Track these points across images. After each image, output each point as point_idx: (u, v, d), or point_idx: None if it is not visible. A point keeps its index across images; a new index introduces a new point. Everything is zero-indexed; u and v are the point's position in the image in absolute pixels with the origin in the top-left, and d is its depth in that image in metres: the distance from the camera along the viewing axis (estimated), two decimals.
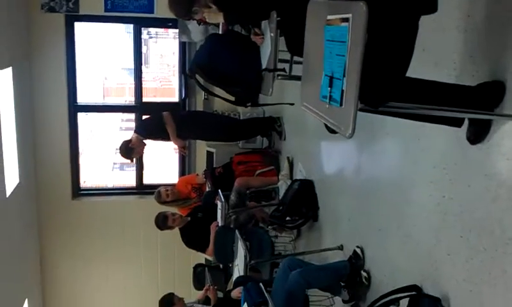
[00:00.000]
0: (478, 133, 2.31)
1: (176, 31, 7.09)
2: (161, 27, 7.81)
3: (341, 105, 1.96)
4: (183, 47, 7.28)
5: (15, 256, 6.17)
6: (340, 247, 3.93)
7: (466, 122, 2.36)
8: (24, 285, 6.74)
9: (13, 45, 6.06)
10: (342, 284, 3.53)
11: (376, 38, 1.84)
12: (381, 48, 1.92)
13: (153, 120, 5.84)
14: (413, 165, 2.93)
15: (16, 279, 6.18)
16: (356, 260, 3.54)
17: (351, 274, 3.51)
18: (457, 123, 2.35)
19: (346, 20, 1.93)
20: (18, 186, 6.20)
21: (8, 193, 5.80)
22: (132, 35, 7.32)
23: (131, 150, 5.73)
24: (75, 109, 7.25)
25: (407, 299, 2.73)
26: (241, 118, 6.58)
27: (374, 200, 3.46)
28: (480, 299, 2.34)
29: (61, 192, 7.26)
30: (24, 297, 6.67)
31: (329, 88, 2.04)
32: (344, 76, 1.94)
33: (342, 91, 1.95)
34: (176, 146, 5.85)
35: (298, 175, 5.03)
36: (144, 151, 5.90)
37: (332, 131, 2.09)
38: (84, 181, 7.93)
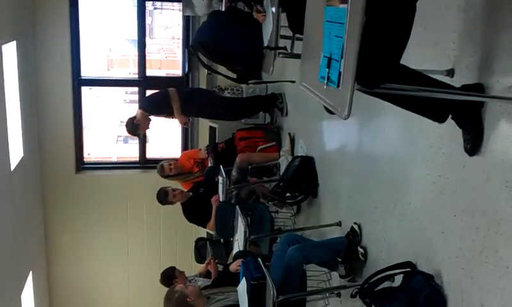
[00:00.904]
0: (474, 140, 2.34)
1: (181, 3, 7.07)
2: (165, 1, 7.78)
3: (338, 86, 1.99)
4: (187, 20, 7.26)
5: (20, 229, 6.25)
6: (339, 224, 3.99)
7: (457, 129, 2.40)
8: (29, 257, 6.84)
9: (16, 18, 6.07)
10: (339, 259, 3.58)
11: (373, 20, 1.87)
12: (379, 30, 1.94)
13: (158, 96, 5.87)
14: (411, 144, 2.97)
15: (20, 252, 6.28)
16: (354, 236, 3.60)
17: (348, 250, 3.57)
18: (440, 118, 2.38)
19: (345, 1, 1.95)
20: (23, 160, 6.26)
21: (13, 167, 5.86)
22: (136, 8, 7.31)
23: (137, 126, 5.77)
24: (78, 82, 7.28)
25: (401, 275, 2.80)
26: (244, 94, 6.59)
27: (372, 178, 3.50)
28: (472, 276, 2.40)
29: (64, 165, 7.34)
30: (29, 269, 6.78)
31: (327, 69, 2.07)
32: (341, 57, 1.96)
33: (340, 72, 1.98)
34: (179, 122, 5.87)
35: (299, 152, 5.07)
36: (149, 126, 5.94)
37: (330, 111, 2.13)
38: (89, 154, 7.99)
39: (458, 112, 2.33)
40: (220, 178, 5.05)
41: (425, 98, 2.21)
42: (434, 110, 2.37)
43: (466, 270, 2.45)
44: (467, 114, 2.32)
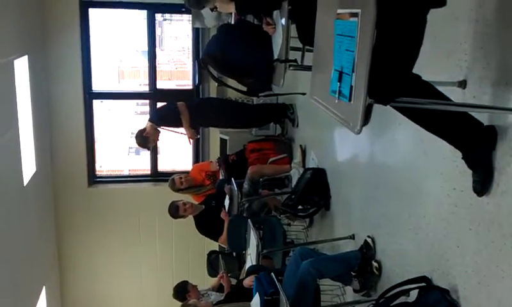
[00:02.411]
0: (483, 181, 2.32)
1: (190, 15, 7.09)
2: (175, 13, 7.81)
3: (350, 100, 1.97)
4: (196, 32, 7.28)
5: (33, 244, 6.27)
6: (352, 237, 3.95)
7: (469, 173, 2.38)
8: (42, 273, 6.85)
9: (27, 33, 6.12)
10: (353, 274, 3.54)
11: (384, 33, 1.85)
12: (390, 43, 1.92)
13: (167, 109, 5.88)
14: (424, 156, 2.93)
15: (34, 267, 6.29)
16: (367, 250, 3.56)
17: (361, 264, 3.52)
18: (464, 147, 2.33)
19: (355, 15, 1.93)
20: (35, 174, 6.28)
21: (26, 181, 5.89)
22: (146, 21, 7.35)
23: (147, 139, 5.79)
24: (90, 96, 7.31)
25: (416, 290, 2.76)
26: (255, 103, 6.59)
27: (385, 190, 3.46)
28: (488, 291, 2.35)
29: (77, 180, 7.36)
30: (42, 284, 6.79)
31: (338, 83, 2.05)
32: (352, 71, 1.94)
33: (351, 86, 1.96)
34: (186, 134, 5.86)
35: (311, 163, 5.04)
36: (159, 138, 5.95)
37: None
38: (101, 166, 8.02)
39: (469, 152, 2.30)
40: (227, 190, 5.07)
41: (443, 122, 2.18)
42: (449, 132, 2.33)
43: (482, 284, 2.40)
44: (478, 155, 2.28)
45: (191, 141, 6.14)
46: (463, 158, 2.34)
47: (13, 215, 5.42)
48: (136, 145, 6.04)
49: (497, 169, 2.29)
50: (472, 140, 2.27)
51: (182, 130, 5.81)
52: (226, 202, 5.21)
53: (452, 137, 2.30)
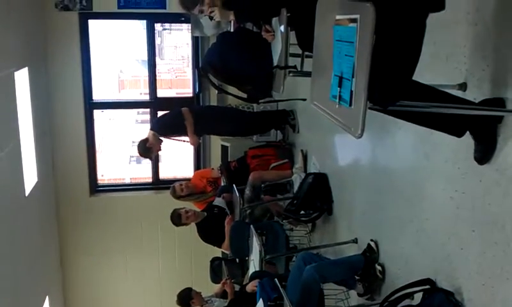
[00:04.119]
0: (485, 152, 2.33)
1: (189, 24, 7.12)
2: (174, 22, 7.84)
3: (350, 105, 1.98)
4: (196, 40, 7.31)
5: (35, 254, 6.27)
6: (355, 241, 3.95)
7: (472, 144, 2.38)
8: (45, 282, 6.84)
9: (28, 45, 6.14)
10: (357, 277, 3.55)
11: (383, 38, 1.86)
12: (389, 48, 1.93)
13: (171, 116, 5.88)
14: (426, 159, 2.94)
15: (37, 277, 6.29)
16: (371, 254, 3.56)
17: (365, 268, 3.52)
18: (458, 132, 2.36)
19: (354, 20, 1.94)
20: (37, 184, 6.29)
21: (27, 192, 5.90)
22: (145, 30, 7.38)
23: (149, 149, 5.78)
24: (90, 106, 7.33)
25: (421, 293, 2.76)
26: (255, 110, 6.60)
27: (388, 194, 3.47)
28: (493, 292, 2.36)
29: (79, 189, 7.37)
30: (45, 294, 6.78)
31: (338, 88, 2.06)
32: (352, 76, 1.95)
33: (351, 91, 1.97)
34: (189, 141, 5.86)
35: (312, 168, 5.05)
36: (161, 148, 5.95)
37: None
38: (102, 175, 8.03)
39: (475, 126, 2.30)
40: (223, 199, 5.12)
41: (441, 113, 2.19)
42: (452, 125, 2.35)
43: (486, 286, 2.40)
44: (484, 129, 2.29)
45: (194, 146, 6.14)
46: (469, 131, 2.35)
47: (15, 226, 5.43)
48: (138, 155, 6.04)
49: (499, 170, 2.29)
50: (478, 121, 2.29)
51: (184, 137, 5.80)
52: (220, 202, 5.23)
53: (457, 121, 2.31)
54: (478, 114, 2.28)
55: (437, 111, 2.19)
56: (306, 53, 3.35)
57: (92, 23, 7.13)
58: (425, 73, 2.30)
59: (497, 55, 2.31)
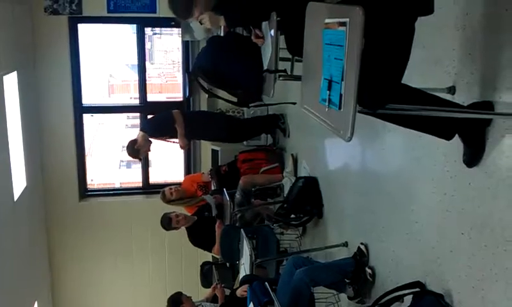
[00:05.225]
0: (474, 155, 2.35)
1: (180, 29, 7.12)
2: (164, 27, 7.84)
3: (340, 108, 1.99)
4: (186, 45, 7.31)
5: (24, 259, 6.23)
6: (345, 244, 3.96)
7: (461, 147, 2.40)
8: (34, 287, 6.80)
9: (17, 49, 6.11)
10: (347, 281, 3.55)
11: (373, 42, 1.87)
12: (378, 52, 1.95)
13: (161, 117, 5.86)
14: (415, 161, 2.95)
15: (25, 282, 6.24)
16: (361, 257, 3.57)
17: (355, 271, 3.53)
18: (447, 135, 2.38)
19: (343, 24, 1.95)
20: (26, 189, 6.26)
21: (16, 196, 5.86)
22: (135, 35, 7.36)
23: (138, 150, 5.76)
24: (80, 110, 7.30)
25: (411, 296, 2.77)
26: (245, 116, 6.61)
27: (378, 197, 3.48)
28: (483, 295, 2.36)
29: (68, 193, 7.33)
30: (34, 299, 6.74)
31: (328, 91, 2.07)
32: (342, 80, 1.96)
33: (341, 94, 1.97)
34: (179, 144, 5.84)
35: (302, 172, 5.06)
36: (150, 149, 5.93)
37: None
38: (92, 180, 7.98)
39: (464, 129, 2.32)
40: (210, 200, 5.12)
41: (430, 116, 2.21)
42: (441, 128, 2.36)
43: (476, 288, 2.41)
44: (473, 132, 2.30)
45: (183, 149, 6.13)
46: (458, 134, 2.36)
47: (4, 230, 5.39)
48: (127, 156, 6.02)
49: (488, 173, 2.31)
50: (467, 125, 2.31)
51: (173, 139, 5.79)
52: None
53: (447, 124, 2.33)
54: (467, 117, 2.29)
55: (426, 114, 2.20)
56: (296, 57, 3.37)
57: (82, 28, 7.12)
58: (414, 77, 2.31)
59: (486, 58, 2.32)
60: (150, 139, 5.75)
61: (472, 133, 2.32)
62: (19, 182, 6.05)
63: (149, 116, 6.63)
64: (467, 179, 2.45)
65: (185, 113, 5.86)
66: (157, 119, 5.95)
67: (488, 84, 2.29)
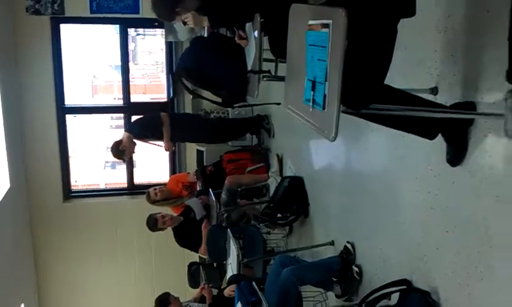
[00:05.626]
0: (457, 154, 2.37)
1: (163, 29, 7.09)
2: (147, 27, 7.80)
3: (324, 108, 2.00)
4: (169, 46, 7.29)
5: (9, 261, 6.17)
6: (332, 243, 3.97)
7: (444, 147, 2.42)
8: (19, 289, 6.75)
9: None
10: (334, 279, 3.57)
11: (356, 43, 1.88)
12: (361, 53, 1.96)
13: (148, 119, 5.83)
14: (399, 161, 2.98)
15: (11, 284, 6.19)
16: (347, 255, 3.59)
17: (342, 269, 3.55)
18: (430, 135, 2.40)
19: (326, 25, 1.96)
20: (10, 191, 6.21)
21: (0, 198, 5.81)
22: (118, 35, 7.32)
23: (122, 151, 5.73)
24: (63, 111, 7.25)
25: (398, 293, 2.79)
26: (230, 116, 6.60)
27: (363, 196, 3.50)
28: (468, 292, 2.39)
29: (52, 194, 7.28)
30: (20, 301, 6.69)
31: (312, 92, 2.08)
32: (325, 80, 1.97)
33: (325, 95, 1.98)
34: (164, 146, 5.82)
35: (288, 172, 5.07)
36: (135, 150, 5.90)
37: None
38: (76, 181, 7.93)
39: (447, 129, 2.34)
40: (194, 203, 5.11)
41: (413, 116, 2.23)
42: (424, 128, 2.38)
43: (462, 285, 2.44)
44: (455, 131, 2.33)
45: (168, 151, 6.11)
46: (441, 134, 2.38)
47: None
48: (112, 157, 5.98)
49: (471, 172, 2.34)
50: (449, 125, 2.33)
51: (158, 142, 5.77)
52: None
53: (429, 124, 2.35)
54: (449, 117, 2.32)
55: (409, 114, 2.22)
56: (280, 58, 3.37)
57: (64, 28, 7.06)
58: (397, 78, 2.33)
59: (467, 60, 2.35)
60: (134, 140, 5.72)
61: (454, 133, 2.34)
62: (2, 183, 6.00)
63: (134, 117, 6.60)
64: (450, 178, 2.47)
65: (172, 116, 5.84)
66: (144, 121, 5.91)
67: (470, 84, 2.32)
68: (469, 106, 2.29)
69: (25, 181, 7.08)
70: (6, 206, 6.03)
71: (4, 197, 5.95)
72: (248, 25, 3.31)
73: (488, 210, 2.23)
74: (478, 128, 2.28)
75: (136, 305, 7.59)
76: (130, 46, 7.55)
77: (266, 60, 3.39)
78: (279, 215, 4.67)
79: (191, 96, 6.05)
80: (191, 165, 7.06)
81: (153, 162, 9.04)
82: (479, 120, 2.27)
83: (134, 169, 8.00)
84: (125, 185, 7.90)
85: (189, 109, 7.18)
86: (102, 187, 9.11)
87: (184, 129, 5.79)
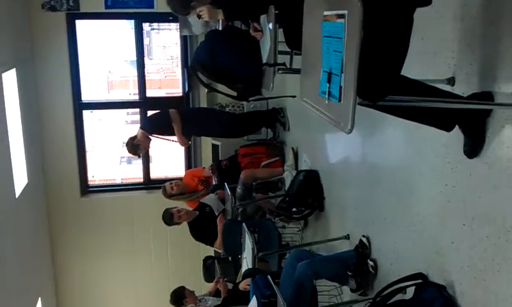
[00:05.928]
0: (474, 145, 2.34)
1: (178, 23, 7.10)
2: (162, 22, 7.82)
3: (340, 101, 1.98)
4: (184, 40, 7.29)
5: (27, 256, 6.24)
6: (347, 237, 3.96)
7: (461, 138, 2.40)
8: (37, 284, 6.82)
9: (15, 46, 6.11)
10: (349, 273, 3.55)
11: (371, 33, 1.86)
12: (377, 43, 1.94)
13: (159, 117, 5.87)
14: (416, 154, 2.95)
15: (29, 279, 6.26)
16: (363, 249, 3.57)
17: (357, 263, 3.53)
18: (447, 126, 2.37)
19: (342, 16, 1.94)
20: (27, 186, 6.27)
21: (18, 193, 5.87)
22: (133, 30, 7.35)
23: (137, 146, 5.77)
24: (80, 106, 7.31)
25: (413, 287, 2.77)
26: (245, 109, 6.60)
27: (379, 189, 3.48)
28: (484, 285, 2.37)
29: (69, 190, 7.35)
30: (38, 296, 6.76)
31: (327, 84, 2.06)
32: (341, 72, 1.95)
33: (340, 87, 1.97)
34: (178, 142, 5.84)
35: (303, 166, 5.05)
36: (150, 146, 5.94)
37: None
38: (93, 176, 8.00)
39: (464, 120, 2.32)
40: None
41: (431, 107, 2.20)
42: (441, 119, 2.36)
43: (478, 279, 2.41)
44: (473, 122, 2.30)
45: (183, 146, 6.14)
46: (458, 125, 2.36)
47: (6, 228, 5.40)
48: (127, 152, 6.03)
49: (488, 164, 2.31)
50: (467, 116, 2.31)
51: (173, 137, 5.80)
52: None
53: (446, 115, 2.32)
54: (467, 108, 2.29)
55: (426, 106, 2.20)
56: (295, 50, 3.36)
57: (79, 24, 7.11)
58: (413, 68, 2.31)
59: (484, 49, 2.32)
60: (149, 136, 5.76)
61: (472, 124, 2.31)
62: (20, 179, 6.06)
63: (150, 112, 6.63)
64: (468, 170, 2.44)
65: (183, 112, 5.85)
66: (155, 119, 5.95)
67: (487, 74, 2.28)
68: (486, 96, 2.25)
69: (42, 176, 7.15)
70: (24, 201, 6.09)
71: (21, 193, 6.01)
72: (263, 18, 3.31)
73: (505, 202, 2.20)
74: (495, 119, 2.25)
75: (152, 299, 7.64)
76: (145, 41, 7.57)
77: (281, 52, 3.38)
78: (294, 209, 4.66)
79: (206, 90, 6.06)
80: (207, 159, 7.08)
81: (169, 157, 9.08)
82: (496, 111, 2.24)
83: (150, 164, 8.04)
84: (141, 180, 7.94)
85: (204, 103, 7.19)
86: (118, 181, 9.18)
87: (197, 124, 5.80)
